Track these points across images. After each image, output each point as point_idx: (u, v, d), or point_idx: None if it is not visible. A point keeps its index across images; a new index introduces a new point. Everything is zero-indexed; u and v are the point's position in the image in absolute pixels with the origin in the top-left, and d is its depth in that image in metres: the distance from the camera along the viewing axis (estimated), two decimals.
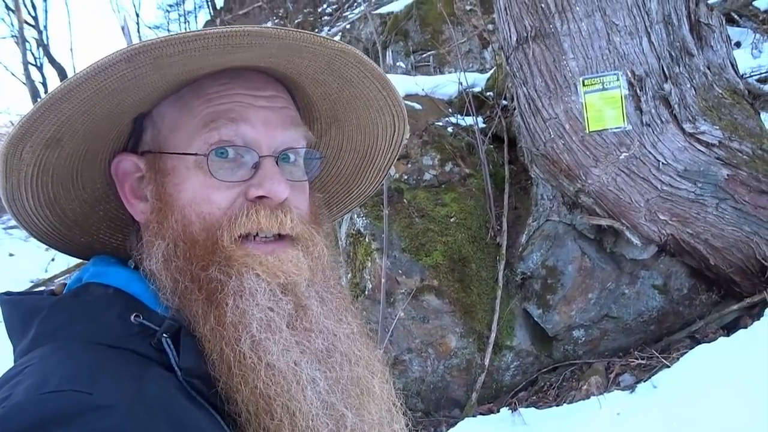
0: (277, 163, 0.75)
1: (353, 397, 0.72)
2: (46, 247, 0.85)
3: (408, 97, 3.86)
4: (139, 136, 0.78)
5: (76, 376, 0.59)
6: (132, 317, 0.68)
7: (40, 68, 21.99)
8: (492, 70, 4.23)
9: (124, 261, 0.79)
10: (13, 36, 21.27)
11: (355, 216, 3.47)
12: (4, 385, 0.60)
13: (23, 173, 0.71)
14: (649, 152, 2.76)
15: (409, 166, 3.56)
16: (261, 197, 0.73)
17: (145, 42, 0.64)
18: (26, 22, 20.41)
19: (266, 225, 0.73)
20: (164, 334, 0.68)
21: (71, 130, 0.70)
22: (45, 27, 21.71)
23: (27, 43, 20.43)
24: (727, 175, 2.75)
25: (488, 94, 4.02)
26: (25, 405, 0.55)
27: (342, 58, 0.76)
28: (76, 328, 0.68)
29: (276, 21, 12.71)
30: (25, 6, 20.47)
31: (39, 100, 0.66)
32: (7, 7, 20.78)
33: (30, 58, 20.91)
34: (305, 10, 11.85)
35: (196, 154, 0.73)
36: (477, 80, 4.20)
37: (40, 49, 21.67)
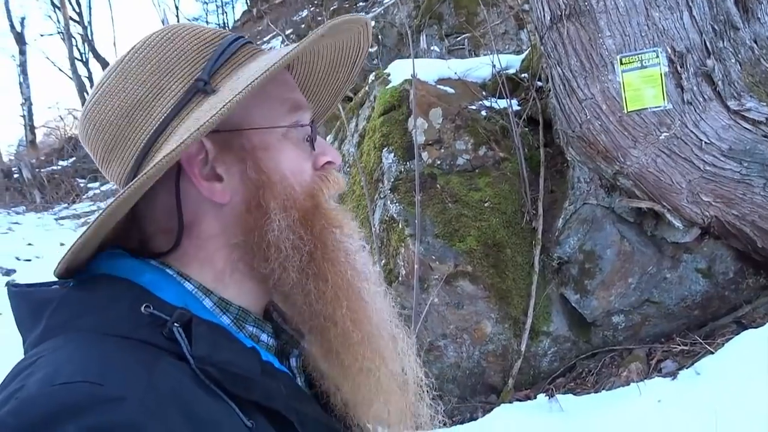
0: None
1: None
2: None
3: (440, 81, 3.81)
4: None
5: (87, 367, 0.59)
6: (142, 308, 0.68)
7: (86, 63, 22.64)
8: (527, 51, 4.14)
9: (132, 253, 0.77)
10: (59, 32, 21.95)
11: (388, 202, 3.46)
12: (17, 376, 0.60)
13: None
14: (691, 131, 2.66)
15: (442, 150, 3.52)
16: (326, 164, 0.82)
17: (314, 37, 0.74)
18: (71, 19, 21.01)
19: (343, 186, 0.83)
20: (175, 324, 0.67)
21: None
22: (89, 23, 22.27)
23: (73, 39, 21.04)
24: None
25: (523, 75, 3.94)
26: (38, 397, 0.55)
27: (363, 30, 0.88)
28: (87, 319, 0.68)
29: (311, 9, 12.73)
30: (70, 3, 21.05)
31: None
32: (54, 4, 21.42)
33: (76, 54, 21.54)
34: None
35: (295, 126, 0.79)
36: (511, 62, 4.12)
37: (85, 44, 22.29)
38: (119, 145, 0.76)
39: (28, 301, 0.72)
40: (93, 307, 0.69)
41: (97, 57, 21.67)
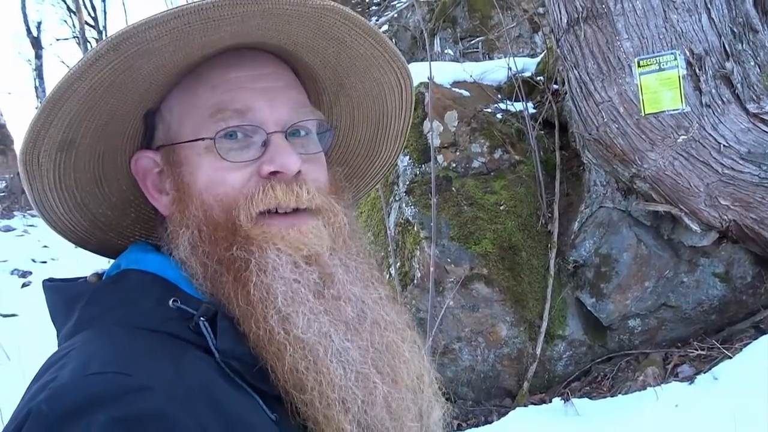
0: (286, 138, 0.75)
1: (385, 364, 0.72)
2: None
3: (456, 84, 3.82)
4: (152, 133, 0.79)
5: (116, 359, 0.62)
6: (170, 302, 0.70)
7: None
8: (542, 54, 4.14)
9: (159, 248, 0.80)
10: (75, 37, 22.18)
11: (404, 205, 3.46)
12: (50, 367, 0.63)
13: (45, 179, 0.73)
14: (710, 134, 2.64)
15: (458, 153, 3.52)
16: (274, 173, 0.73)
17: (125, 28, 0.64)
18: (87, 24, 21.22)
19: (283, 199, 0.73)
20: (201, 318, 0.69)
21: (81, 131, 0.71)
22: (104, 27, 22.48)
23: (88, 44, 21.24)
24: None
25: (539, 78, 3.93)
26: (70, 387, 0.58)
27: (329, 16, 0.74)
28: (117, 313, 0.70)
29: None
30: (86, 8, 21.27)
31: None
32: (69, 9, 21.66)
33: None
34: (352, 1, 11.86)
35: (204, 139, 0.73)
36: (527, 65, 4.11)
37: None
38: None
39: (62, 296, 0.75)
40: (122, 301, 0.71)
41: None
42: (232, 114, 0.73)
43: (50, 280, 0.77)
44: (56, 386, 0.58)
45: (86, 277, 0.78)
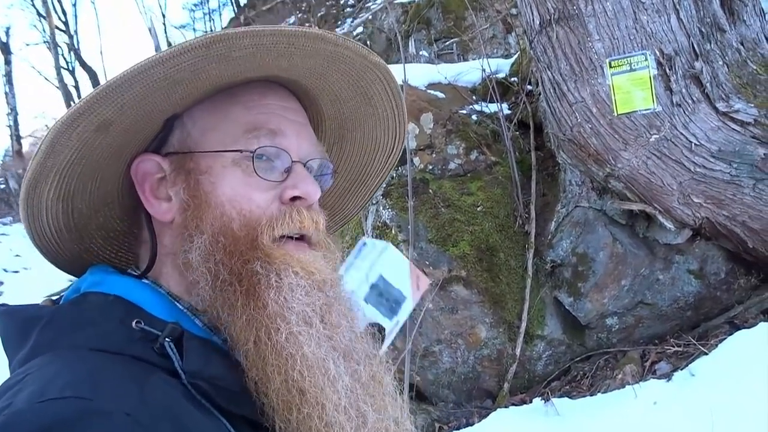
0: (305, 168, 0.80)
1: (372, 394, 0.74)
2: None
3: (431, 86, 3.82)
4: (165, 139, 0.79)
5: (77, 382, 0.59)
6: (133, 323, 0.68)
7: (72, 72, 22.49)
8: (516, 56, 4.16)
9: (121, 270, 0.79)
10: (45, 42, 21.80)
11: (381, 208, 3.45)
12: (5, 393, 0.59)
13: (61, 156, 0.71)
14: (681, 133, 2.68)
15: (434, 155, 3.52)
16: (295, 199, 0.76)
17: (222, 31, 0.68)
18: (57, 28, 20.86)
19: (308, 225, 0.76)
20: (167, 338, 0.67)
21: (122, 117, 0.71)
22: (75, 32, 22.18)
23: (59, 48, 20.89)
24: (764, 154, 2.64)
25: (513, 79, 3.95)
26: (27, 413, 0.54)
27: (373, 72, 0.82)
28: (77, 335, 0.67)
29: (299, 15, 12.73)
30: (56, 12, 20.91)
31: (106, 80, 0.67)
32: (39, 14, 21.28)
33: (62, 63, 21.39)
34: (327, 3, 11.83)
35: (241, 151, 0.75)
36: (501, 66, 4.13)
37: (72, 53, 22.14)
38: None
39: (15, 320, 0.71)
40: (83, 323, 0.68)
41: (84, 66, 21.53)
42: (266, 133, 0.77)
43: (3, 305, 0.74)
44: (10, 413, 0.54)
45: (38, 304, 0.74)
